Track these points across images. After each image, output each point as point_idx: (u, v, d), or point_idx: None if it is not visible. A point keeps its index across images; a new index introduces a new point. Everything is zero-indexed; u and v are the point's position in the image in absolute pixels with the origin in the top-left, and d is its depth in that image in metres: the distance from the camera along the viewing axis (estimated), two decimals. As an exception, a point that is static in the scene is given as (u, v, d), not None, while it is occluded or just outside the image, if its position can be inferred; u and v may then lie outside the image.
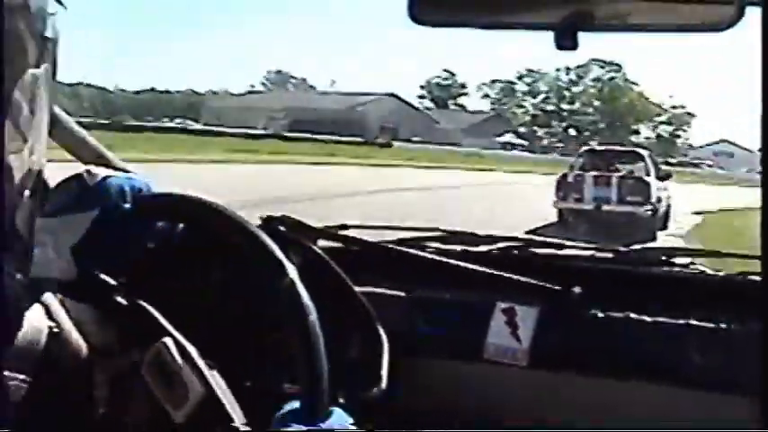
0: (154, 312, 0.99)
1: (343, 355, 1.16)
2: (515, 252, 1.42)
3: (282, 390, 1.05)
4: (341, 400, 0.98)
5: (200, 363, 0.94)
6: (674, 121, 78.85)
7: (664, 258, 1.40)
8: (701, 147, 79.36)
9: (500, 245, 1.43)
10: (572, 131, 77.73)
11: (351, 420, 0.90)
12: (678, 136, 79.43)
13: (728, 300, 1.24)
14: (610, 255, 1.43)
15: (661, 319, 1.26)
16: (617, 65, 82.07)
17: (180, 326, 0.98)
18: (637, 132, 78.41)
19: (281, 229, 1.33)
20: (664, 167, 17.18)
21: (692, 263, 1.40)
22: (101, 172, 1.05)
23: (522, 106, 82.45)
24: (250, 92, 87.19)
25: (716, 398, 1.17)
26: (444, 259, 1.38)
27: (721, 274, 1.34)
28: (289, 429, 0.85)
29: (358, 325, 1.22)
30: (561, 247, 1.44)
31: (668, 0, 1.07)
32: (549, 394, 1.28)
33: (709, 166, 58.24)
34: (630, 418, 1.23)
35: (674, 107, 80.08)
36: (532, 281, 1.32)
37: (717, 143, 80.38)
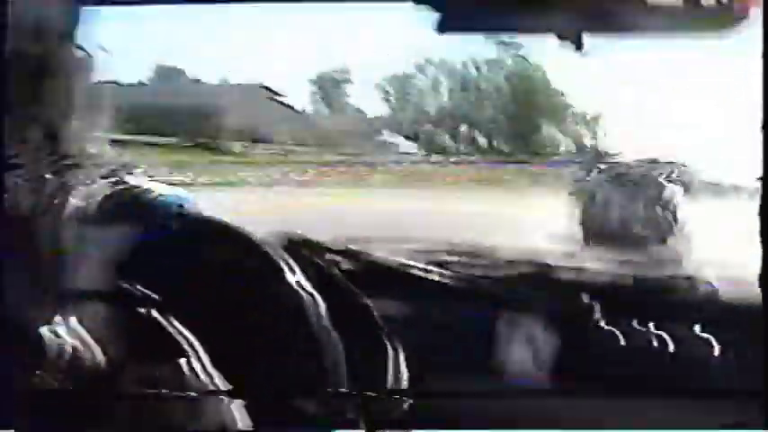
0: (180, 329, 1.01)
1: (355, 367, 1.16)
2: (531, 267, 1.42)
3: (296, 400, 1.06)
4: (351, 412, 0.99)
5: (220, 379, 0.96)
6: (582, 121, 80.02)
7: (683, 276, 1.39)
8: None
9: (515, 260, 1.42)
10: (481, 137, 76.91)
11: None
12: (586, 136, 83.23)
13: (746, 317, 1.24)
14: (627, 271, 1.42)
15: (679, 333, 1.26)
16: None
17: (204, 343, 1.00)
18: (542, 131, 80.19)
19: (290, 245, 1.32)
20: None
21: (709, 281, 1.39)
22: (154, 189, 1.08)
23: (418, 103, 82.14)
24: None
25: (733, 408, 1.16)
26: (456, 273, 1.37)
27: (738, 290, 1.34)
28: None
29: (369, 337, 1.22)
30: (581, 266, 1.44)
31: (673, 5, 1.08)
32: (566, 409, 1.27)
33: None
34: (645, 430, 1.22)
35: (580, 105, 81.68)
36: (546, 295, 1.31)
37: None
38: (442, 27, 0.97)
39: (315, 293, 0.96)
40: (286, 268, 0.99)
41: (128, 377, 0.98)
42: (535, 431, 1.23)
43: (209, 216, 1.12)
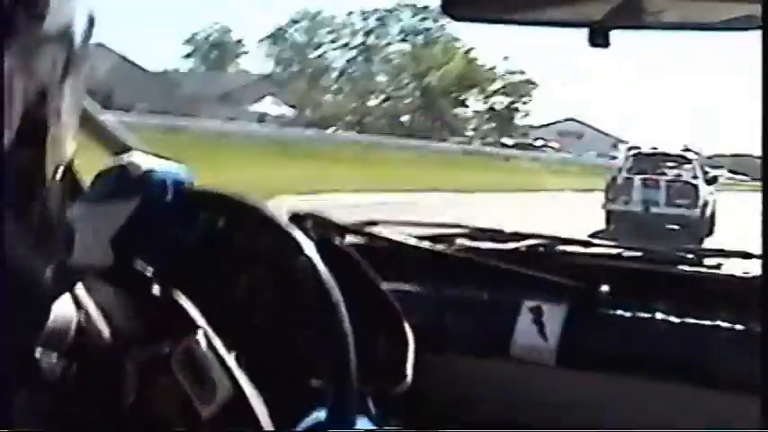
0: (187, 305, 1.00)
1: (370, 352, 1.16)
2: (542, 250, 1.42)
3: (310, 386, 1.06)
4: (368, 399, 0.98)
5: (231, 361, 0.95)
6: (511, 91, 60.15)
7: (691, 258, 1.39)
8: (543, 125, 64.26)
9: (527, 242, 1.43)
10: (373, 99, 56.26)
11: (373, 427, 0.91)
12: (516, 110, 60.98)
13: (755, 300, 1.23)
14: (637, 253, 1.42)
15: (688, 318, 1.26)
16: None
17: (211, 320, 0.98)
18: (464, 104, 59.39)
19: (308, 224, 1.33)
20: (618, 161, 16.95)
21: (720, 263, 1.39)
22: (144, 163, 1.05)
23: (296, 63, 58.64)
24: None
25: (743, 398, 1.16)
26: (471, 256, 1.38)
27: (749, 274, 1.34)
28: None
29: (385, 322, 1.23)
30: (588, 245, 1.44)
31: None
32: (575, 393, 1.28)
33: (554, 148, 48.45)
34: (656, 417, 1.23)
35: (510, 72, 60.47)
36: (559, 279, 1.31)
37: (563, 121, 66.10)
38: (452, 13, 0.96)
39: (327, 270, 0.94)
40: (300, 241, 0.96)
41: (136, 357, 0.97)
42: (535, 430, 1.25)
43: (211, 188, 1.09)
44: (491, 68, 59.70)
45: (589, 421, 1.24)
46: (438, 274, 1.39)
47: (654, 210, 13.58)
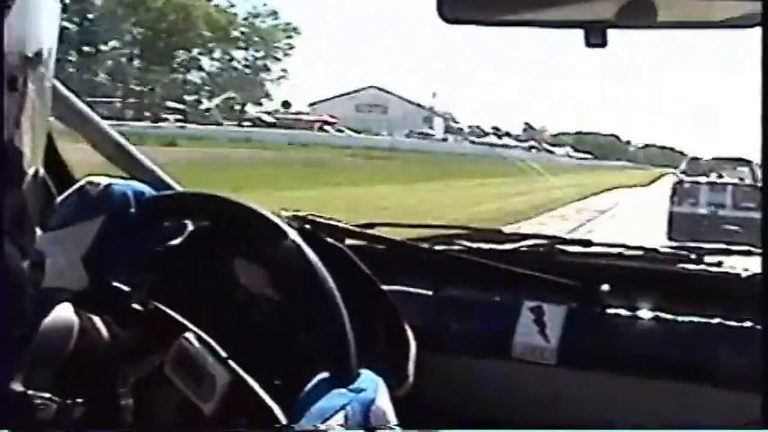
0: (170, 312, 0.99)
1: (370, 352, 1.16)
2: (543, 250, 1.42)
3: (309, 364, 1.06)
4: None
5: (222, 352, 0.95)
6: (261, 44, 42.97)
7: (693, 257, 1.39)
8: (338, 96, 50.22)
9: (527, 243, 1.43)
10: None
11: (379, 380, 0.90)
12: (267, 69, 43.01)
13: (757, 298, 1.23)
14: (638, 253, 1.42)
15: (690, 317, 1.26)
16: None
17: (195, 321, 0.98)
18: (198, 64, 41.83)
19: (308, 227, 1.34)
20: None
21: (721, 262, 1.39)
22: (102, 180, 1.04)
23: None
24: None
25: (743, 396, 1.16)
26: (471, 257, 1.38)
27: (750, 272, 1.33)
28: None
29: (385, 323, 1.23)
30: (589, 244, 1.44)
31: None
32: (576, 392, 1.28)
33: (325, 124, 37.78)
34: (657, 415, 1.23)
35: (256, 15, 43.12)
36: (560, 279, 1.31)
37: (364, 89, 54.23)
38: (447, 17, 0.96)
39: (315, 256, 0.94)
40: (283, 227, 0.96)
41: (129, 375, 0.96)
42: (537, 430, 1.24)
43: (173, 191, 1.08)
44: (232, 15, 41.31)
45: (590, 420, 1.25)
46: (438, 274, 1.39)
47: (721, 212, 13.78)
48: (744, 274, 1.33)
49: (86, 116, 1.43)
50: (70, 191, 1.03)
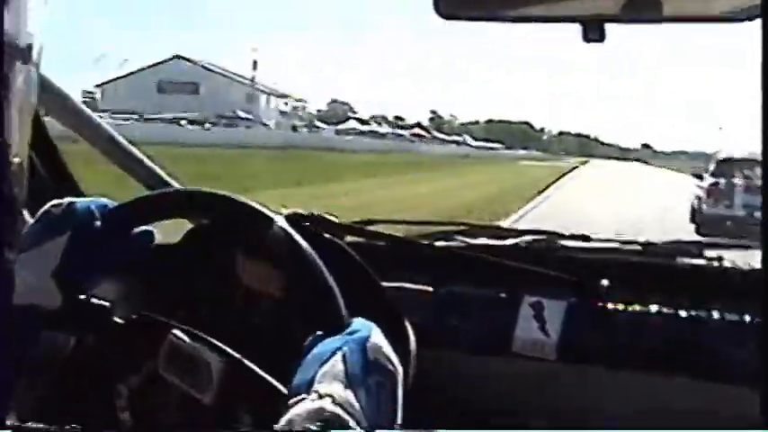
0: (154, 316, 0.99)
1: None
2: (542, 245, 1.42)
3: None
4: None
5: (212, 339, 0.95)
6: None
7: (692, 251, 1.39)
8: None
9: (526, 238, 1.43)
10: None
11: (372, 325, 0.89)
12: None
13: (756, 293, 1.23)
14: (637, 247, 1.42)
15: (689, 312, 1.26)
16: None
17: (193, 320, 0.98)
18: None
19: (307, 225, 1.33)
20: None
21: (721, 256, 1.39)
22: (65, 200, 1.03)
23: None
24: None
25: (743, 391, 1.16)
26: (471, 253, 1.38)
27: (749, 267, 1.34)
28: None
29: (385, 319, 1.22)
30: (588, 239, 1.44)
31: None
32: (577, 387, 1.28)
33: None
34: (657, 410, 1.23)
35: None
36: (560, 274, 1.31)
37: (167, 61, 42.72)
38: (444, 12, 0.95)
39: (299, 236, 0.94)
40: (269, 215, 0.96)
41: (125, 387, 0.97)
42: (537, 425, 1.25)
43: (126, 201, 1.08)
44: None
45: (591, 415, 1.25)
46: (437, 270, 1.39)
47: (757, 213, 13.84)
48: (744, 269, 1.33)
49: (83, 115, 1.43)
50: (36, 216, 1.02)
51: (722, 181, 14.72)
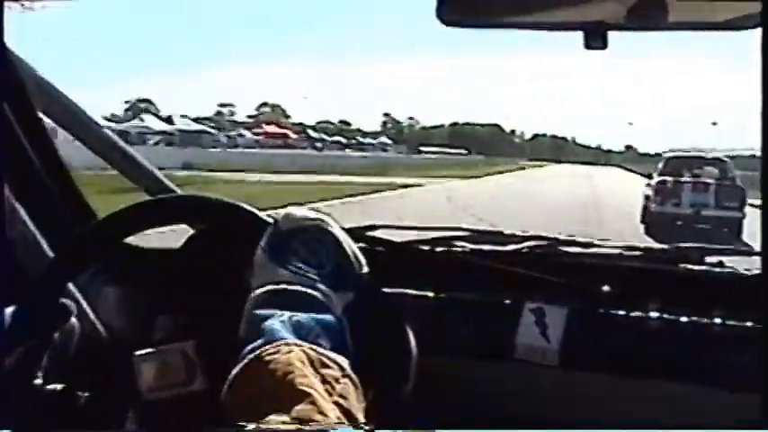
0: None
1: (371, 355, 1.16)
2: (543, 251, 1.42)
3: None
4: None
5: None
6: None
7: (693, 257, 1.39)
8: None
9: (528, 244, 1.43)
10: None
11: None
12: None
13: (758, 299, 1.23)
14: (639, 253, 1.42)
15: (691, 318, 1.26)
16: None
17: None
18: None
19: None
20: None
21: (722, 262, 1.39)
22: None
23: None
24: None
25: (746, 397, 1.16)
26: (472, 259, 1.38)
27: (750, 272, 1.33)
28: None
29: (386, 325, 1.22)
30: (589, 245, 1.44)
31: None
32: (578, 393, 1.28)
33: None
34: (658, 416, 1.23)
35: None
36: (561, 280, 1.31)
37: None
38: (445, 20, 0.95)
39: None
40: (267, 218, 0.97)
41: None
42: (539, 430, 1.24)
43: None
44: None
45: (592, 421, 1.25)
46: (439, 276, 1.39)
47: (704, 212, 13.95)
48: (744, 275, 1.33)
49: (85, 121, 1.43)
50: None
51: (669, 179, 14.77)
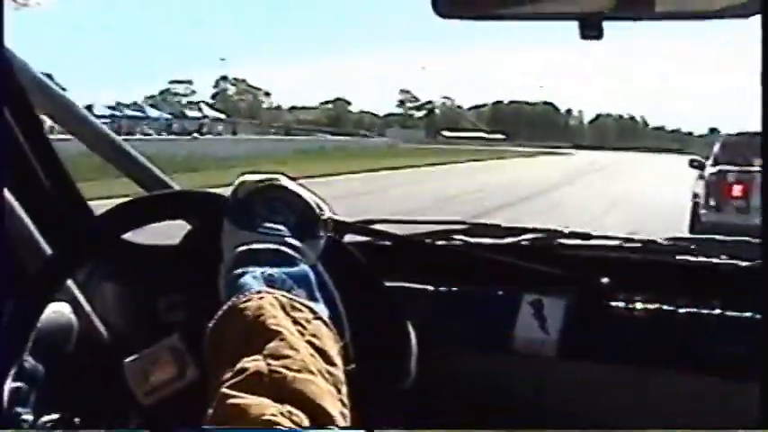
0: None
1: (371, 349, 1.16)
2: (542, 243, 1.42)
3: None
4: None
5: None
6: None
7: (692, 249, 1.39)
8: None
9: (526, 236, 1.43)
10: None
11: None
12: None
13: (757, 290, 1.23)
14: (638, 245, 1.42)
15: (690, 309, 1.26)
16: None
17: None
18: None
19: None
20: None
21: (721, 253, 1.39)
22: None
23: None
24: None
25: (745, 388, 1.16)
26: (471, 251, 1.38)
27: (751, 263, 1.33)
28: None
29: (385, 318, 1.22)
30: (588, 237, 1.43)
31: None
32: (577, 385, 1.28)
33: None
34: (657, 407, 1.23)
35: None
36: (560, 272, 1.31)
37: None
38: (442, 12, 0.95)
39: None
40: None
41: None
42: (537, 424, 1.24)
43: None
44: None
45: (591, 413, 1.25)
46: (438, 269, 1.38)
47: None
48: (744, 266, 1.33)
49: (83, 118, 1.43)
50: None
51: (731, 170, 9.55)
